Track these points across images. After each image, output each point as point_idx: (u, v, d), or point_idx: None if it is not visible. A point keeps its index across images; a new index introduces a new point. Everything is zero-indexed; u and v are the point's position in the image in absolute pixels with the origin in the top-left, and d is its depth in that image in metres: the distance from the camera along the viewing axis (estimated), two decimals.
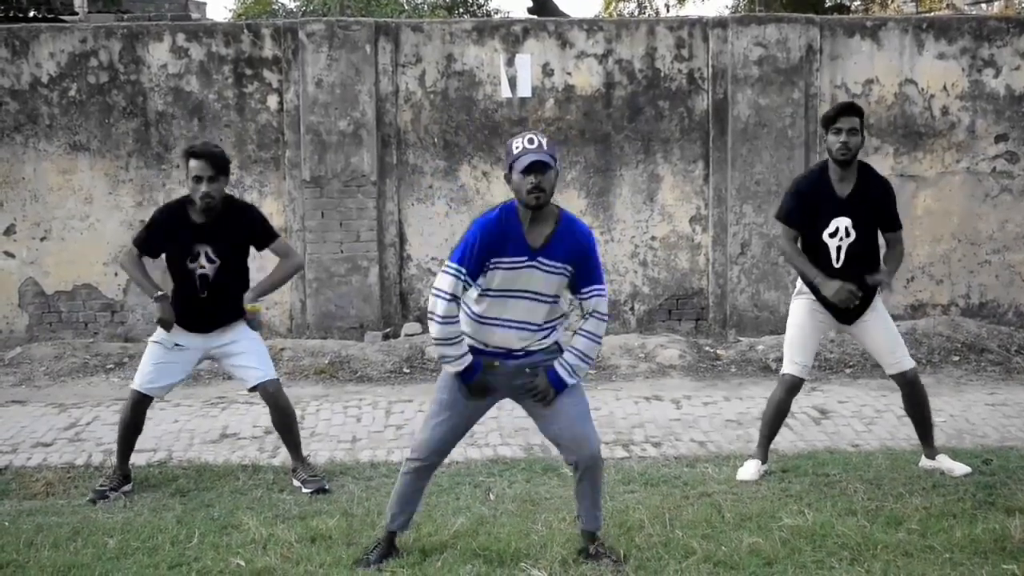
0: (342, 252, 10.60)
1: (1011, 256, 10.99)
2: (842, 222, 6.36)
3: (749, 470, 6.65)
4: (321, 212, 10.59)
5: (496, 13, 25.02)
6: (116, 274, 10.67)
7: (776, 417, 6.73)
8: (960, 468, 6.58)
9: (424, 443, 5.33)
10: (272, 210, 10.47)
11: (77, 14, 13.72)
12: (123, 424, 6.61)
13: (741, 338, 10.53)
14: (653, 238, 10.86)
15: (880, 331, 6.55)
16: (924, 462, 6.72)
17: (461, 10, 23.55)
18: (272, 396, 6.56)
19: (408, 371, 9.74)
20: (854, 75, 10.83)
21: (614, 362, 9.84)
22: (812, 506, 5.97)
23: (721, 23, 10.90)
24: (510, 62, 10.69)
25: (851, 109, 6.37)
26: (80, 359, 10.05)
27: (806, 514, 5.79)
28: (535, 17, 14.88)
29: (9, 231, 10.66)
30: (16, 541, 5.61)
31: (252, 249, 6.63)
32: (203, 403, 8.78)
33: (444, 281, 5.01)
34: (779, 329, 10.50)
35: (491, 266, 5.03)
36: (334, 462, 7.12)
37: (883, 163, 10.78)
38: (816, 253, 6.43)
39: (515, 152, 4.95)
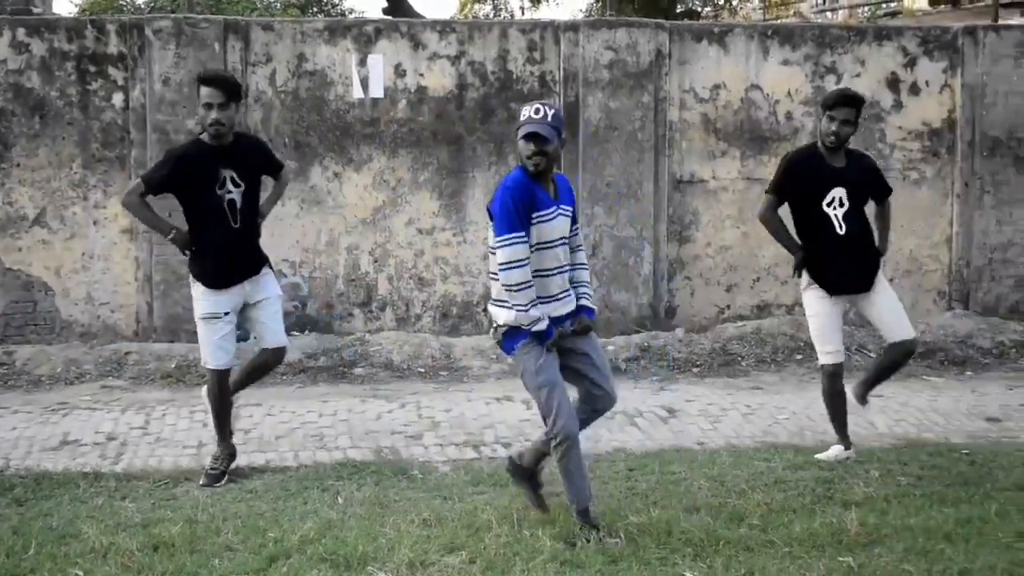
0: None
1: None
2: (838, 192, 6.73)
3: (831, 453, 6.98)
4: (168, 212, 10.33)
5: (351, 13, 24.82)
6: None
7: (836, 406, 6.99)
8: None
9: (566, 422, 5.51)
10: (117, 210, 10.19)
11: None
12: (216, 405, 6.78)
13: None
14: None
15: (887, 304, 6.87)
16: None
17: (315, 9, 23.29)
18: (278, 361, 7.06)
19: None
20: (702, 80, 11.03)
21: (466, 363, 9.86)
22: (658, 504, 6.06)
23: (573, 27, 11.00)
24: (362, 62, 10.62)
25: (850, 100, 6.70)
26: None
27: (651, 512, 5.88)
28: (388, 18, 14.81)
29: None
30: None
31: None
32: (43, 409, 8.52)
33: (512, 252, 5.48)
34: (629, 330, 10.66)
35: (533, 220, 5.53)
36: (179, 468, 6.98)
37: (730, 166, 11.02)
38: (820, 224, 6.78)
39: (521, 119, 5.50)
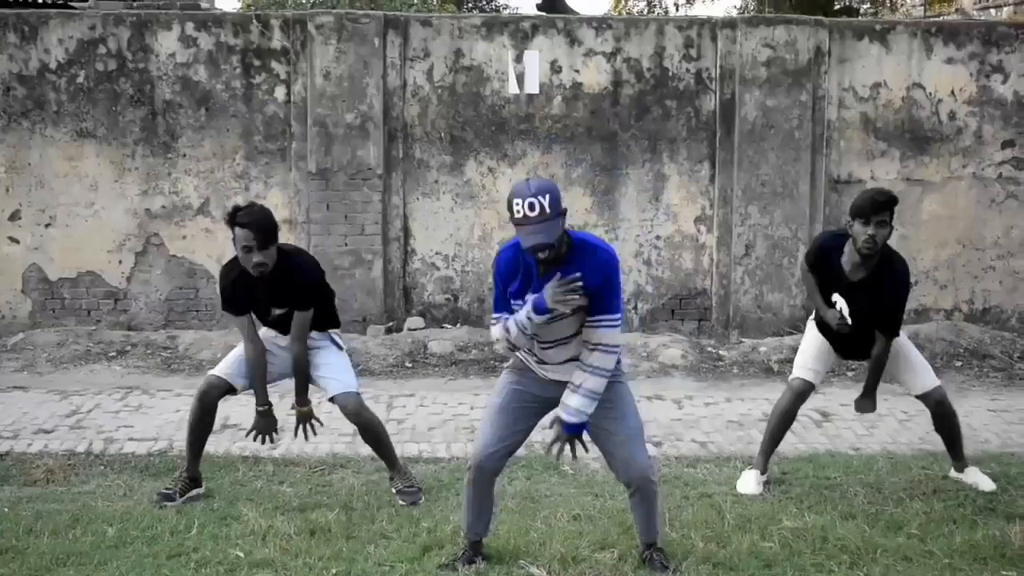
0: (346, 245, 10.60)
1: (1015, 262, 10.98)
2: (841, 301, 6.17)
3: (749, 483, 6.46)
4: (327, 205, 10.58)
5: (505, 9, 25.01)
6: (120, 262, 10.68)
7: (781, 425, 6.57)
8: (986, 483, 6.44)
9: (478, 450, 5.18)
10: (277, 202, 10.47)
11: (87, 0, 13.70)
12: (190, 419, 6.39)
13: (744, 339, 10.53)
14: (658, 237, 10.85)
15: (906, 360, 6.40)
16: (953, 474, 6.65)
17: (470, 5, 23.53)
18: (352, 412, 6.25)
19: (410, 365, 9.74)
20: (862, 78, 10.81)
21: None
22: (812, 509, 5.98)
23: (730, 23, 10.89)
24: (518, 58, 10.68)
25: (885, 204, 5.93)
26: (83, 346, 10.05)
27: (806, 517, 5.80)
28: (544, 14, 14.86)
29: (14, 217, 10.65)
30: (15, 527, 5.62)
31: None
32: None
33: (494, 331, 5.04)
34: (782, 331, 10.53)
35: (525, 300, 4.86)
36: (335, 455, 7.12)
37: (889, 167, 10.79)
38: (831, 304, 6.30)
39: (516, 215, 4.64)
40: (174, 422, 7.91)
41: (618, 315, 4.88)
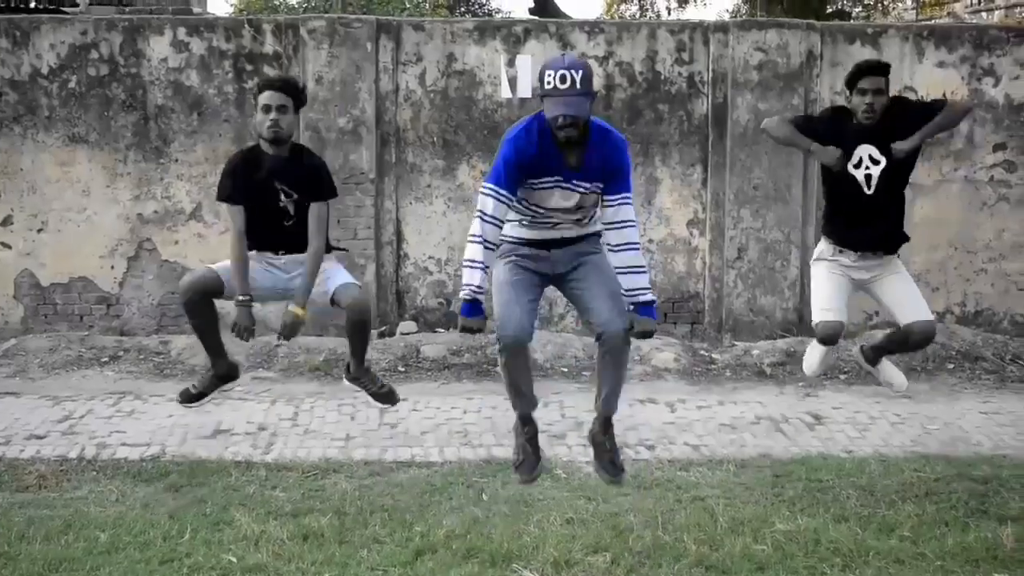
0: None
1: (1007, 265, 11.00)
2: (865, 150, 6.10)
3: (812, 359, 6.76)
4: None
5: (497, 13, 25.03)
6: (112, 267, 10.66)
7: (824, 358, 6.66)
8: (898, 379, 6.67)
9: (508, 328, 5.16)
10: None
11: (78, 5, 13.69)
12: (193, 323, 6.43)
13: (736, 343, 10.54)
14: (650, 241, 10.86)
15: (899, 286, 6.33)
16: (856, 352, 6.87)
17: (462, 9, 23.54)
18: (355, 305, 6.17)
19: (403, 370, 9.74)
20: None
21: None
22: (805, 511, 5.98)
23: (722, 27, 10.91)
24: (511, 63, 10.69)
25: (876, 68, 6.11)
26: (75, 352, 10.03)
27: (799, 519, 5.81)
28: (536, 18, 14.87)
29: (6, 222, 10.64)
30: (8, 533, 5.62)
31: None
32: None
33: (482, 203, 5.02)
34: (774, 334, 10.54)
35: (525, 184, 5.03)
36: (327, 460, 7.11)
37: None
38: (841, 186, 6.22)
39: (546, 86, 4.84)
40: (167, 427, 7.90)
41: (631, 192, 5.17)
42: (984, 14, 26.22)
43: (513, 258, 5.34)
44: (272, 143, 6.07)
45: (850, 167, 6.16)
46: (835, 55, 10.81)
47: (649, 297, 5.13)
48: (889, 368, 6.69)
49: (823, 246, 6.50)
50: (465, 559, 5.32)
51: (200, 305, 6.29)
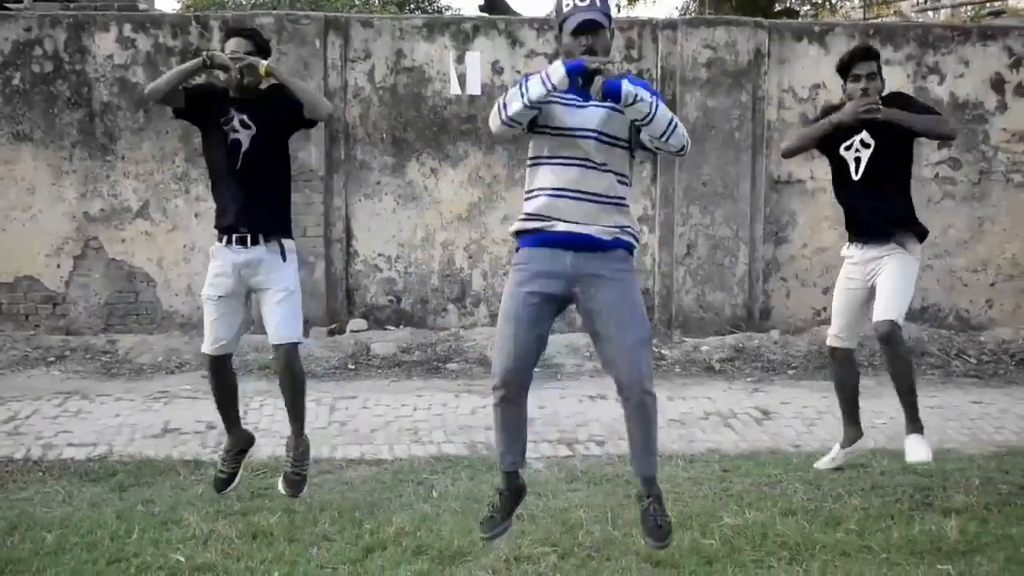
0: None
1: (952, 261, 11.13)
2: (859, 134, 6.16)
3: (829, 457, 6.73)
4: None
5: (447, 10, 24.99)
6: (58, 266, 10.56)
7: (840, 391, 6.67)
8: (919, 454, 6.11)
9: (501, 366, 4.86)
10: None
11: (22, 1, 13.54)
12: (213, 392, 6.23)
13: (686, 339, 10.59)
14: None
15: (883, 280, 6.14)
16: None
17: (412, 6, 23.49)
18: (284, 364, 6.00)
19: (353, 367, 9.71)
20: (801, 79, 10.92)
21: (559, 360, 9.86)
22: (753, 506, 6.01)
23: (671, 25, 10.96)
24: (460, 59, 10.68)
25: (867, 53, 6.18)
26: (20, 352, 9.93)
27: (747, 514, 5.83)
28: (486, 15, 14.87)
29: None
30: None
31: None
32: (145, 397, 8.71)
33: (506, 95, 4.65)
34: (723, 330, 10.60)
35: (552, 99, 4.63)
36: (276, 458, 7.07)
37: (828, 167, 10.87)
38: (838, 174, 6.37)
39: (565, 10, 4.60)
40: (113, 427, 7.83)
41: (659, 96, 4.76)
42: (931, 13, 26.49)
43: (525, 284, 4.81)
44: (239, 91, 5.94)
45: (842, 148, 6.24)
46: (782, 53, 10.89)
47: (624, 84, 4.54)
48: (915, 442, 6.23)
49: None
50: (415, 556, 5.30)
51: (219, 382, 6.18)
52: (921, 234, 6.31)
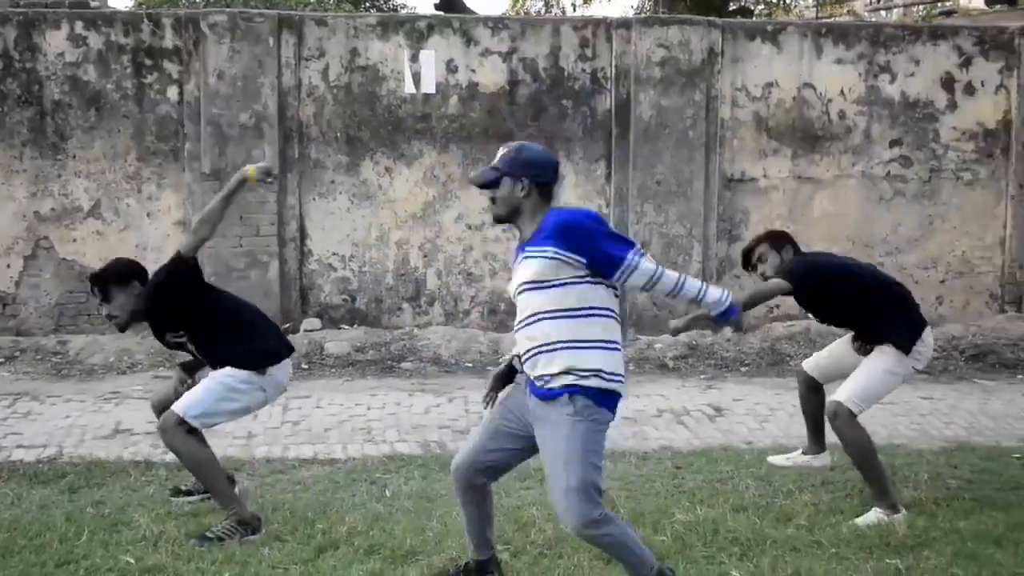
0: (241, 246, 10.49)
1: (903, 258, 11.23)
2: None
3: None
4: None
5: (402, 8, 24.93)
6: (8, 266, 10.44)
7: (803, 411, 6.86)
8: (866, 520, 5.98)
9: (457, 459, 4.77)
10: (171, 203, 10.37)
11: None
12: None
13: (639, 336, 10.62)
14: None
15: (861, 365, 6.24)
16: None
17: (367, 4, 23.41)
18: (160, 428, 5.74)
19: (307, 367, 9.68)
20: (754, 78, 10.98)
21: None
22: (704, 502, 6.04)
23: (625, 24, 10.99)
24: (414, 58, 10.66)
25: (746, 256, 6.66)
26: None
27: (698, 510, 5.86)
28: (440, 13, 14.86)
29: None
30: None
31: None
32: (96, 398, 8.64)
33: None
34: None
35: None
36: (227, 459, 7.03)
37: (781, 165, 10.98)
38: None
39: None
40: (63, 428, 7.76)
41: (631, 249, 4.40)
42: (884, 12, 26.71)
43: (510, 397, 4.70)
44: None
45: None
46: (736, 52, 10.95)
47: (723, 309, 4.61)
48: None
49: None
50: (367, 555, 5.28)
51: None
52: (901, 344, 6.20)
